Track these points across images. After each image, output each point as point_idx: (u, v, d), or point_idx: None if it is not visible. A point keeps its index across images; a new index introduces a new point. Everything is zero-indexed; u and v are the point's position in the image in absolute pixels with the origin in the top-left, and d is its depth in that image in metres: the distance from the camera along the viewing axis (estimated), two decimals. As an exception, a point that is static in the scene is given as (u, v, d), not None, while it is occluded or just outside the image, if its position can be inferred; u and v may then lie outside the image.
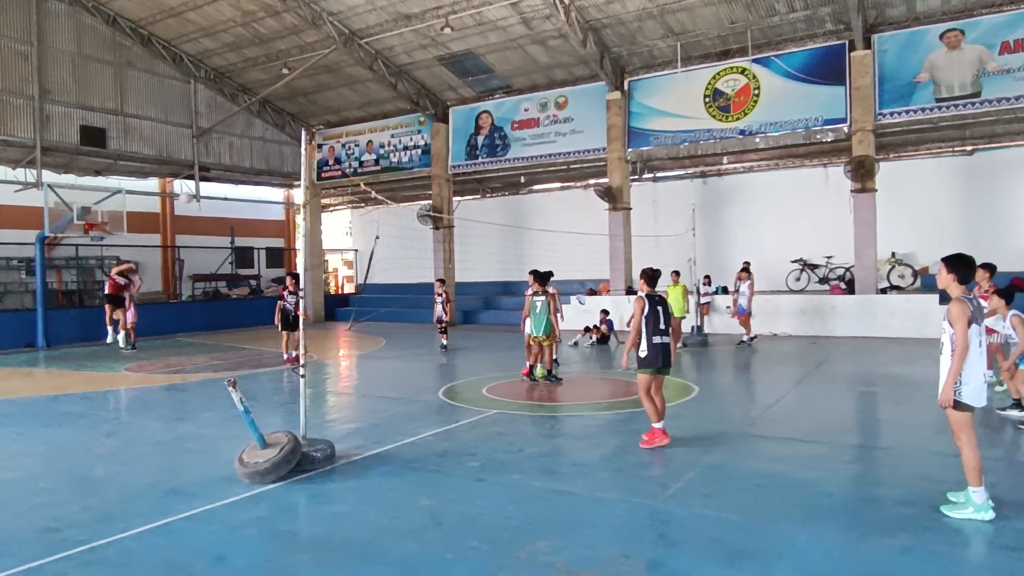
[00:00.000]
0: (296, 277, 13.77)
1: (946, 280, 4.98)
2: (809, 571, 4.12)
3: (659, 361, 6.96)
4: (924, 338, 14.64)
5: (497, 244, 25.12)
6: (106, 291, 15.83)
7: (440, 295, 15.81)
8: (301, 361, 6.89)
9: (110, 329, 15.31)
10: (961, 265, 4.92)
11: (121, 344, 15.60)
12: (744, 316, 15.41)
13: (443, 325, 15.72)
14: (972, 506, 4.79)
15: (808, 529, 4.71)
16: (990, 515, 4.71)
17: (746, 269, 15.70)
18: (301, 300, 11.65)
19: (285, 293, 13.91)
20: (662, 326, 7.01)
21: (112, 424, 8.86)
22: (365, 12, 18.65)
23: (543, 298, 10.74)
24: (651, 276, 7.37)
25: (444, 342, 15.75)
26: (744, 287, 15.39)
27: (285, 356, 13.87)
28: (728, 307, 17.73)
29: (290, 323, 13.65)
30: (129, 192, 21.62)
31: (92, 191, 20.76)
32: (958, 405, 4.83)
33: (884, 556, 4.29)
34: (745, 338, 15.40)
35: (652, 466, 6.29)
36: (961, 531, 4.65)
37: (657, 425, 6.98)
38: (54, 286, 21.53)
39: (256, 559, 4.50)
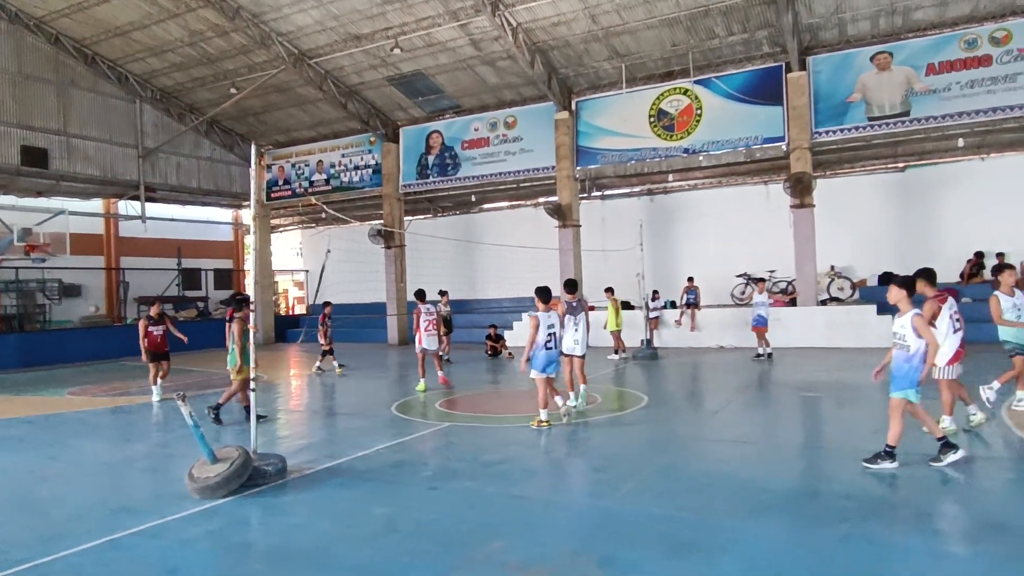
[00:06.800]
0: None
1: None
2: (754, 560, 4.28)
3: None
4: (863, 347, 15.22)
5: (449, 263, 25.19)
6: (147, 347, 12.01)
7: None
8: (252, 376, 6.82)
9: (155, 388, 11.99)
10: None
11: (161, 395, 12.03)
12: (762, 328, 14.66)
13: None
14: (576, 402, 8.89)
15: (752, 522, 4.90)
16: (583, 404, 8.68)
17: (763, 280, 16.00)
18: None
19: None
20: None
21: (56, 447, 8.59)
22: (315, 32, 18.69)
23: (235, 326, 9.22)
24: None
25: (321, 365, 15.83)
26: (762, 297, 14.86)
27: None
28: (677, 320, 18.34)
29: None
30: (72, 213, 21.20)
31: (34, 212, 20.25)
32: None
33: (826, 544, 4.48)
34: (761, 351, 14.58)
35: (604, 469, 6.43)
36: (901, 520, 4.90)
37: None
38: (-9, 310, 20.79)
39: (210, 571, 4.47)
